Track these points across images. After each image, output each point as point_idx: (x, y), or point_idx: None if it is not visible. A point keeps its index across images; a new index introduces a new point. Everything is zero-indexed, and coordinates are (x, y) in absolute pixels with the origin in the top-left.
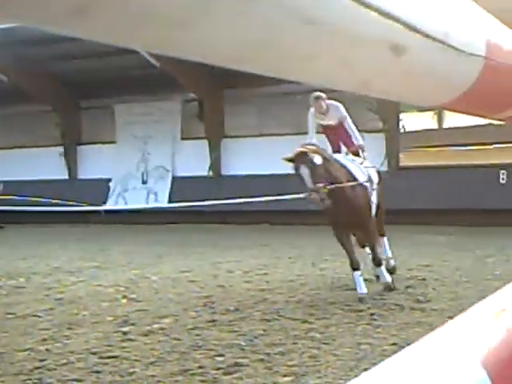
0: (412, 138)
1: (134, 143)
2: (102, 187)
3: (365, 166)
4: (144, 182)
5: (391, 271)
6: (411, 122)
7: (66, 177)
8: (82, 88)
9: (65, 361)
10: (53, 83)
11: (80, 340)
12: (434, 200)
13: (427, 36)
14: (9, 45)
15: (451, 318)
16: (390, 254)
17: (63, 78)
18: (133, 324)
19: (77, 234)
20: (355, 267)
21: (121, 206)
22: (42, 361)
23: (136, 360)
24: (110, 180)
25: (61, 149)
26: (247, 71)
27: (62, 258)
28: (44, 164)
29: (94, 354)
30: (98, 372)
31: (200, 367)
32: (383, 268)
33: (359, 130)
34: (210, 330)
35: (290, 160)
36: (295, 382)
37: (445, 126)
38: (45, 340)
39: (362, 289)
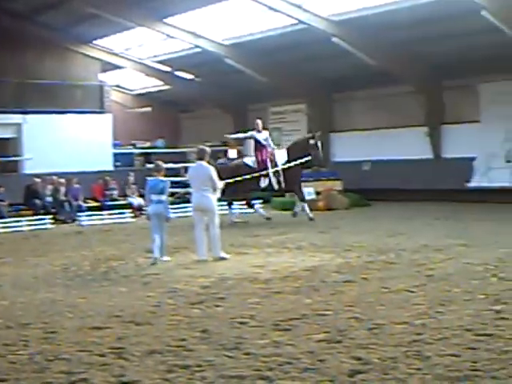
0: None
1: (498, 122)
2: (465, 166)
3: None
4: (508, 161)
5: None
6: None
7: (431, 156)
8: (445, 69)
9: (440, 336)
10: (417, 65)
11: (453, 316)
12: None
13: None
14: (376, 30)
15: None
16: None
17: (429, 60)
18: (505, 303)
19: (441, 212)
20: None
21: (485, 185)
22: (418, 334)
23: (510, 339)
24: (473, 159)
25: (425, 128)
26: None
27: (428, 235)
28: (410, 144)
29: (469, 330)
30: (473, 349)
31: None
32: None
33: None
34: None
35: None
36: None
37: None
38: (420, 314)
39: None
